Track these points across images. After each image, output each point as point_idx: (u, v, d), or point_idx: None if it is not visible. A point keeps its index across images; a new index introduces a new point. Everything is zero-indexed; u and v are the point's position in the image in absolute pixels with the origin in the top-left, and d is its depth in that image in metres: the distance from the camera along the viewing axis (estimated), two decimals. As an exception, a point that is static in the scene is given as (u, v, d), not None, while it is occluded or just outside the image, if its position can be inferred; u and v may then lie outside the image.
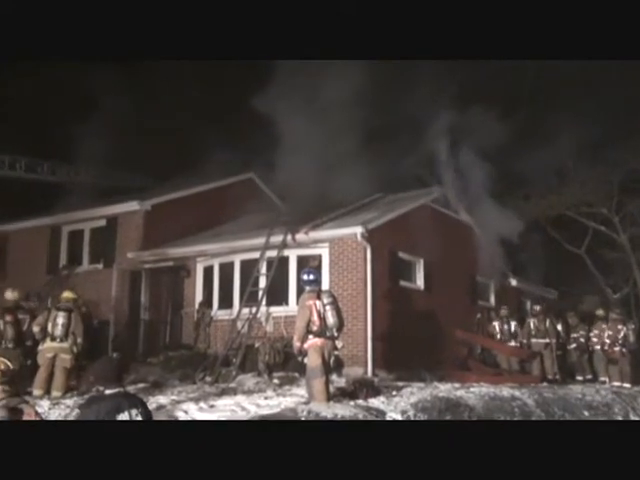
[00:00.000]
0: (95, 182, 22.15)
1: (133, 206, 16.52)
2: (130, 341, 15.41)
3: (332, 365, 9.01)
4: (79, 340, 11.03)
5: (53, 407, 9.21)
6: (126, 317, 15.85)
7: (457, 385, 10.89)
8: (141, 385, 11.49)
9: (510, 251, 18.54)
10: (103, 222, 16.95)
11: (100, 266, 16.60)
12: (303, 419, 7.30)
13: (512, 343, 14.74)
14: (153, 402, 9.14)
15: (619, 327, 14.01)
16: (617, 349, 13.78)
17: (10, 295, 11.46)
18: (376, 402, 8.87)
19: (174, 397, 9.96)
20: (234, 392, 10.39)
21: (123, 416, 4.15)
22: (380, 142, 17.08)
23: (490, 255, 16.90)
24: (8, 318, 11.08)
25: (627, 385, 13.11)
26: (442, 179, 16.56)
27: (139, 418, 4.20)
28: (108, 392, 4.25)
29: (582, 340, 14.63)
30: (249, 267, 14.18)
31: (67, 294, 11.41)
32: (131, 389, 9.47)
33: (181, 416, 8.36)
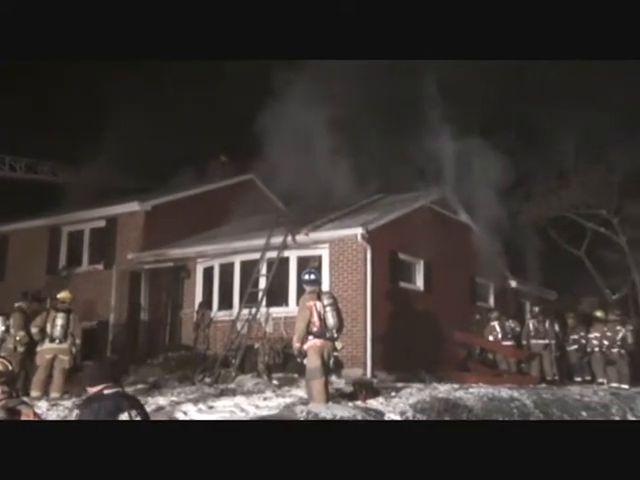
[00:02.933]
0: (96, 183, 22.16)
1: (133, 207, 16.53)
2: (129, 342, 15.42)
3: (331, 366, 9.02)
4: (78, 341, 11.05)
5: (51, 408, 9.22)
6: (126, 318, 15.85)
7: (456, 386, 10.88)
8: (140, 386, 11.49)
9: (510, 252, 18.56)
10: (103, 223, 16.95)
11: (100, 267, 16.60)
12: (302, 420, 7.31)
13: (510, 344, 14.77)
14: (152, 403, 9.15)
15: (617, 328, 14.00)
16: (615, 350, 13.78)
17: None
18: (375, 403, 8.88)
19: (173, 398, 9.96)
20: (233, 393, 10.39)
21: (123, 416, 4.16)
22: (380, 141, 17.10)
23: (489, 256, 16.90)
24: None
25: (625, 386, 13.10)
26: (442, 180, 16.56)
27: (138, 419, 4.21)
28: (107, 392, 4.26)
29: (583, 341, 14.63)
30: (249, 268, 14.18)
31: (64, 294, 11.38)
32: (130, 390, 9.48)
33: (180, 417, 8.37)
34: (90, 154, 21.56)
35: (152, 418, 5.69)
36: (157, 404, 9.26)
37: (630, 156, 21.09)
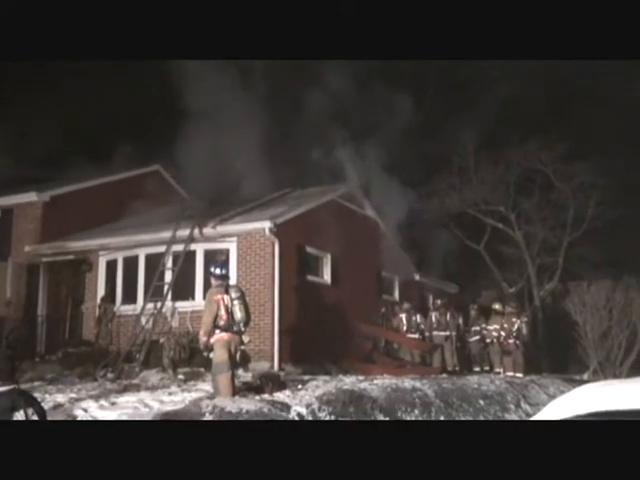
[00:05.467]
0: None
1: (31, 197, 15.89)
2: (27, 338, 14.78)
3: (238, 360, 8.99)
4: (-30, 337, 10.51)
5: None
6: (22, 312, 15.18)
7: (361, 377, 11.11)
8: (38, 383, 11.05)
9: (414, 246, 19.08)
10: (-3, 213, 16.20)
11: (-6, 259, 15.84)
12: (207, 414, 7.24)
13: (415, 336, 15.18)
14: (50, 400, 8.81)
15: (514, 320, 14.69)
16: (511, 341, 14.46)
17: None
18: (281, 396, 8.92)
19: (73, 395, 9.63)
20: (137, 389, 10.17)
21: (19, 415, 4.02)
22: (285, 137, 17.16)
23: (395, 250, 17.31)
24: None
25: (519, 375, 13.79)
26: (348, 174, 16.79)
27: (35, 417, 4.07)
28: (2, 389, 4.10)
29: (485, 332, 15.21)
30: (155, 261, 13.91)
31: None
32: (27, 387, 9.10)
33: (80, 414, 8.09)
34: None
35: (50, 416, 5.49)
36: (55, 401, 8.93)
37: (524, 155, 22.19)
